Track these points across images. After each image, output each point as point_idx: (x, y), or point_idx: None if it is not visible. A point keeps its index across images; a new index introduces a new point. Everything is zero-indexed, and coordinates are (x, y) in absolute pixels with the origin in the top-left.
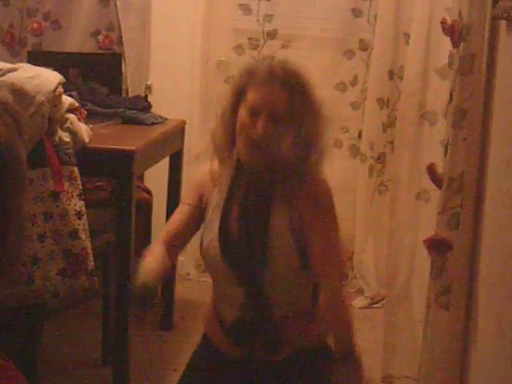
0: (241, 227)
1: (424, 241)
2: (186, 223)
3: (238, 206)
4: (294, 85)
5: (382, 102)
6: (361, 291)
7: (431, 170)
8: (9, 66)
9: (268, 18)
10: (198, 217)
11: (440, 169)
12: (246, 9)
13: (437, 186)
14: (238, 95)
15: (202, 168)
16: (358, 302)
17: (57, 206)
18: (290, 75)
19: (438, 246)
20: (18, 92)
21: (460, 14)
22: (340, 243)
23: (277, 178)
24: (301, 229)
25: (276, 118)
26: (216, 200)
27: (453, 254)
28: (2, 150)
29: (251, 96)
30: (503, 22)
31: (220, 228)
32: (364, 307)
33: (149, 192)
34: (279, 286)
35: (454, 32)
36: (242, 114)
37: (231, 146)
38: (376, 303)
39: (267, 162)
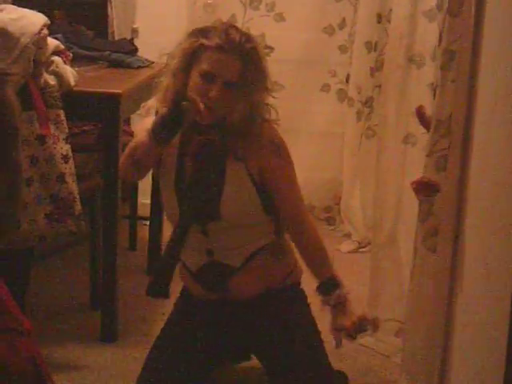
0: (196, 175)
1: (411, 183)
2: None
3: (190, 157)
4: (249, 53)
5: (370, 46)
6: (348, 235)
7: (420, 112)
8: None
9: None
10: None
11: (428, 111)
12: None
13: (425, 128)
14: (192, 56)
15: (149, 120)
16: (346, 246)
17: (43, 150)
18: (245, 43)
19: (425, 189)
20: (2, 34)
21: None
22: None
23: (227, 135)
24: (260, 175)
25: (229, 85)
26: (168, 155)
27: (440, 197)
28: None
29: (206, 61)
30: None
31: (176, 180)
32: (351, 251)
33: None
34: (239, 229)
35: None
36: (195, 76)
37: (179, 102)
38: (363, 247)
39: (218, 124)
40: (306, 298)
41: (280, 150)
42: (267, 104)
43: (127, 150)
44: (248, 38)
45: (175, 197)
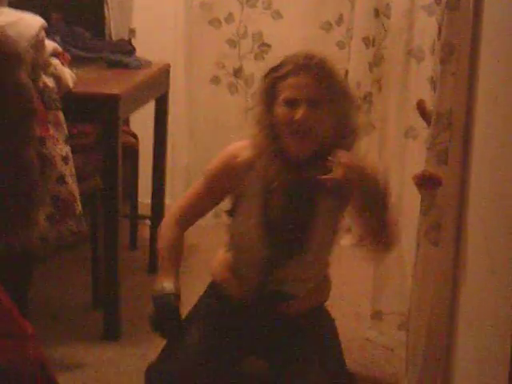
0: (286, 215)
1: (413, 177)
2: (200, 205)
3: (279, 195)
4: (321, 70)
5: (368, 41)
6: (349, 230)
7: (420, 106)
8: None
9: None
10: (218, 198)
11: (429, 105)
12: None
13: (426, 122)
14: (269, 95)
15: (233, 152)
16: (347, 240)
17: (43, 152)
18: (311, 62)
19: (427, 182)
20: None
21: None
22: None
23: (321, 165)
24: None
25: (313, 104)
26: (253, 189)
27: (442, 190)
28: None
29: (284, 90)
30: None
31: (262, 216)
32: (353, 245)
33: (135, 136)
34: (316, 261)
35: None
36: (279, 110)
37: (271, 144)
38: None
39: (314, 148)
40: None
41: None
42: (355, 119)
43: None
44: (312, 55)
45: (260, 230)
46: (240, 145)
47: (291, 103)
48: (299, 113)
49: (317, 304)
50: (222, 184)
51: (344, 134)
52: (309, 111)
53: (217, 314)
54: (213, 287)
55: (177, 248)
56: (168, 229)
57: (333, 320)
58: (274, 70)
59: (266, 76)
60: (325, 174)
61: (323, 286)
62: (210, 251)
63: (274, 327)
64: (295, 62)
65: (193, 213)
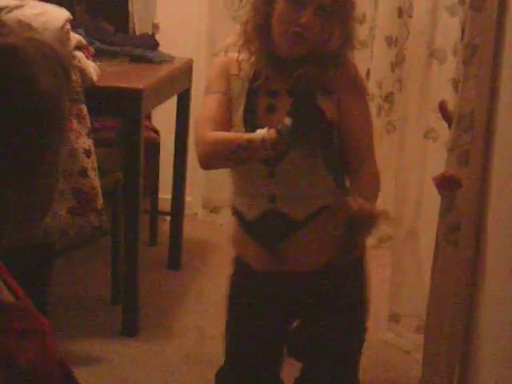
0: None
1: (433, 178)
2: (224, 112)
3: (265, 96)
4: None
5: (391, 41)
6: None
7: (442, 106)
8: (15, 2)
9: None
10: (228, 103)
11: (450, 106)
12: None
13: (447, 123)
14: None
15: (227, 56)
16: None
17: (65, 145)
18: None
19: (447, 184)
20: (26, 29)
21: None
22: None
23: (313, 67)
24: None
25: (322, 10)
26: (239, 88)
27: (462, 192)
28: (46, 102)
29: None
30: None
31: (247, 119)
32: (371, 247)
33: (156, 131)
34: (304, 178)
35: None
36: (282, 4)
37: (264, 36)
38: (384, 242)
39: (308, 54)
40: (365, 276)
41: (361, 87)
42: (355, 31)
43: (223, 145)
44: None
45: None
46: (230, 54)
47: (298, 2)
48: (306, 16)
49: (338, 255)
50: (225, 88)
51: (346, 44)
52: (316, 17)
53: (250, 292)
54: (236, 261)
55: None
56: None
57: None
58: None
59: None
60: (320, 73)
61: (339, 229)
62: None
63: (300, 288)
64: None
65: (221, 123)
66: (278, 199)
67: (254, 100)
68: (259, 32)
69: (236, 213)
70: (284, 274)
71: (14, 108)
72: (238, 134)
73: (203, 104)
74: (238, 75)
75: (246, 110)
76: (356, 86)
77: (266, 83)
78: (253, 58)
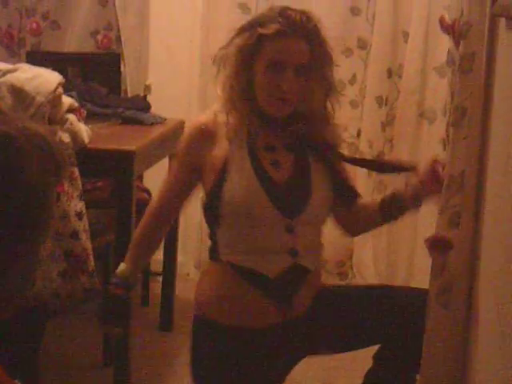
0: (293, 168)
1: (425, 241)
2: (184, 189)
3: (266, 152)
4: (313, 32)
5: (381, 101)
6: None
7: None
8: (8, 66)
9: None
10: (196, 178)
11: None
12: (244, 8)
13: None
14: (251, 50)
15: (202, 120)
16: None
17: (57, 207)
18: (307, 23)
19: (438, 246)
20: (18, 93)
21: (460, 12)
22: None
23: (301, 124)
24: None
25: (301, 70)
26: (235, 151)
27: (454, 253)
28: (30, 196)
29: (270, 50)
30: (503, 20)
31: (259, 174)
32: None
33: (148, 192)
34: (317, 227)
35: (454, 30)
36: (261, 70)
37: (251, 99)
38: None
39: (294, 113)
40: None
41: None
42: (336, 86)
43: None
44: (308, 16)
45: (261, 189)
46: (204, 116)
47: (277, 67)
48: (286, 80)
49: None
50: (197, 159)
51: (328, 100)
52: (296, 77)
53: (249, 356)
54: (229, 330)
55: (149, 237)
56: (145, 217)
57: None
58: (261, 23)
59: (243, 29)
60: (309, 130)
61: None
62: None
63: (309, 316)
64: (290, 20)
65: (172, 199)
66: (299, 253)
67: (258, 156)
68: (246, 96)
69: (243, 271)
70: (287, 322)
71: None
72: (130, 251)
73: (174, 164)
74: (231, 138)
75: (255, 168)
76: (338, 147)
77: (263, 140)
78: (244, 120)
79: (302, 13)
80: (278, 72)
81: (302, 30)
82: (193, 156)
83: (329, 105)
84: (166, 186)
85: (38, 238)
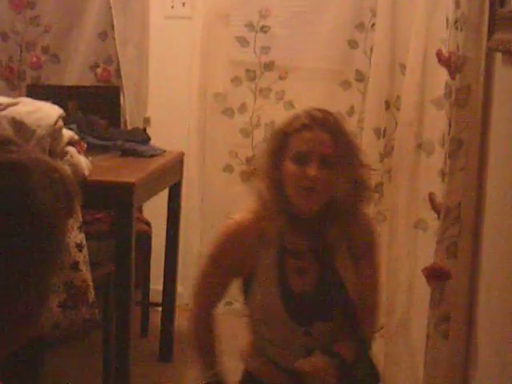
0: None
1: (423, 270)
2: (221, 289)
3: (294, 260)
4: (335, 127)
5: (379, 132)
6: None
7: (432, 198)
8: (9, 100)
9: (265, 50)
10: (232, 276)
11: (438, 198)
12: (243, 41)
13: (437, 214)
14: (279, 149)
15: (237, 223)
16: None
17: None
18: (328, 118)
19: (436, 275)
20: (19, 126)
21: (456, 45)
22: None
23: (332, 223)
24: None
25: (325, 161)
26: (264, 254)
27: (452, 283)
28: (42, 220)
29: (296, 144)
30: (499, 55)
31: (281, 284)
32: None
33: (148, 223)
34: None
35: (450, 63)
36: (288, 165)
37: (279, 200)
38: (376, 332)
39: (324, 207)
40: None
41: (374, 245)
42: (366, 178)
43: (195, 348)
44: (329, 112)
45: (280, 302)
46: (241, 217)
47: (302, 159)
48: (312, 169)
49: None
50: (233, 261)
51: (358, 192)
52: (321, 169)
53: None
54: (248, 375)
55: (208, 341)
56: (194, 327)
57: None
58: (287, 124)
59: (273, 135)
60: (339, 231)
61: None
62: (223, 341)
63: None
64: (311, 115)
65: (214, 303)
66: (316, 348)
67: (284, 262)
68: (277, 197)
69: (263, 354)
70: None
71: (1, 227)
72: (209, 359)
73: (207, 265)
74: (262, 241)
75: (279, 277)
76: (370, 245)
77: (291, 242)
78: (276, 223)
79: (324, 110)
80: (304, 163)
81: (323, 122)
82: (229, 258)
83: (358, 201)
84: (205, 292)
85: (49, 267)
